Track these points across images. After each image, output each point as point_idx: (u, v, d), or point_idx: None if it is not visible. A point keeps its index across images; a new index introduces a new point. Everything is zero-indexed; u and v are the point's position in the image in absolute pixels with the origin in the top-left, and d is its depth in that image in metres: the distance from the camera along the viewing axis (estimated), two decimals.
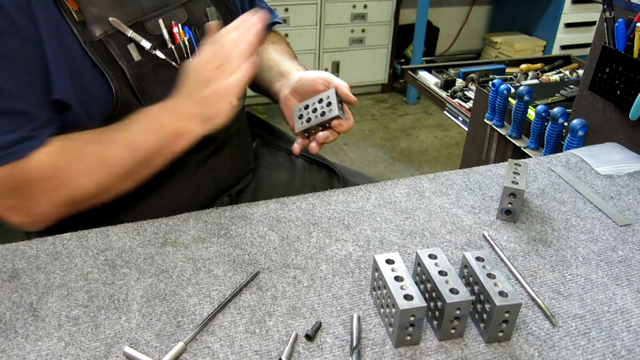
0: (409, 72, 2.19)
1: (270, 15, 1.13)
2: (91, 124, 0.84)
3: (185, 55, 0.92)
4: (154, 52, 0.87)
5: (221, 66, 0.78)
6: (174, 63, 0.90)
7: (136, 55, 0.85)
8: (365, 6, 3.33)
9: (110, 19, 0.82)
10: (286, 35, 3.21)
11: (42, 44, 0.76)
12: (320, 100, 0.94)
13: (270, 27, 1.17)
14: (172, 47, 0.90)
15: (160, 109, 0.81)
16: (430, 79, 2.11)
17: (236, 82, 0.78)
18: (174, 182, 0.93)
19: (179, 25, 0.91)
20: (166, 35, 0.89)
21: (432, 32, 3.80)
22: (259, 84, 1.12)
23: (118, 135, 0.81)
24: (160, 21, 0.89)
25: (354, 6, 3.31)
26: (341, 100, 0.94)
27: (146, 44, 0.86)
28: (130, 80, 0.85)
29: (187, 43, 0.92)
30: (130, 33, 0.84)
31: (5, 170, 0.78)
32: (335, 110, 0.89)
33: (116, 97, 0.83)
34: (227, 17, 1.02)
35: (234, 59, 0.78)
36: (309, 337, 0.62)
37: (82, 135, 0.82)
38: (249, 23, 0.78)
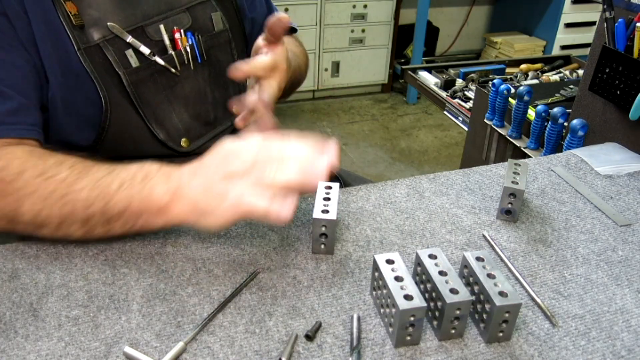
0: (409, 72, 2.19)
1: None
2: (78, 133, 0.82)
3: (186, 62, 0.91)
4: (153, 58, 0.86)
5: (259, 169, 0.62)
6: (173, 70, 0.89)
7: (134, 62, 0.84)
8: (365, 6, 3.33)
9: (108, 24, 0.81)
10: None
11: (35, 44, 0.74)
12: None
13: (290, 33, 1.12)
14: (173, 53, 0.89)
15: (160, 171, 0.68)
16: (430, 79, 2.11)
17: (259, 204, 0.60)
18: None
19: (182, 30, 0.90)
20: (167, 41, 0.88)
21: (432, 32, 3.80)
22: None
23: (100, 175, 0.68)
24: (161, 26, 0.87)
25: (354, 6, 3.31)
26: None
27: (145, 50, 0.85)
28: (126, 87, 0.83)
29: (188, 49, 0.91)
30: (129, 39, 0.83)
31: None
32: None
33: (105, 105, 0.81)
34: (235, 21, 1.01)
35: (279, 176, 0.62)
36: (309, 337, 0.62)
37: (64, 157, 0.71)
38: (328, 150, 0.64)
